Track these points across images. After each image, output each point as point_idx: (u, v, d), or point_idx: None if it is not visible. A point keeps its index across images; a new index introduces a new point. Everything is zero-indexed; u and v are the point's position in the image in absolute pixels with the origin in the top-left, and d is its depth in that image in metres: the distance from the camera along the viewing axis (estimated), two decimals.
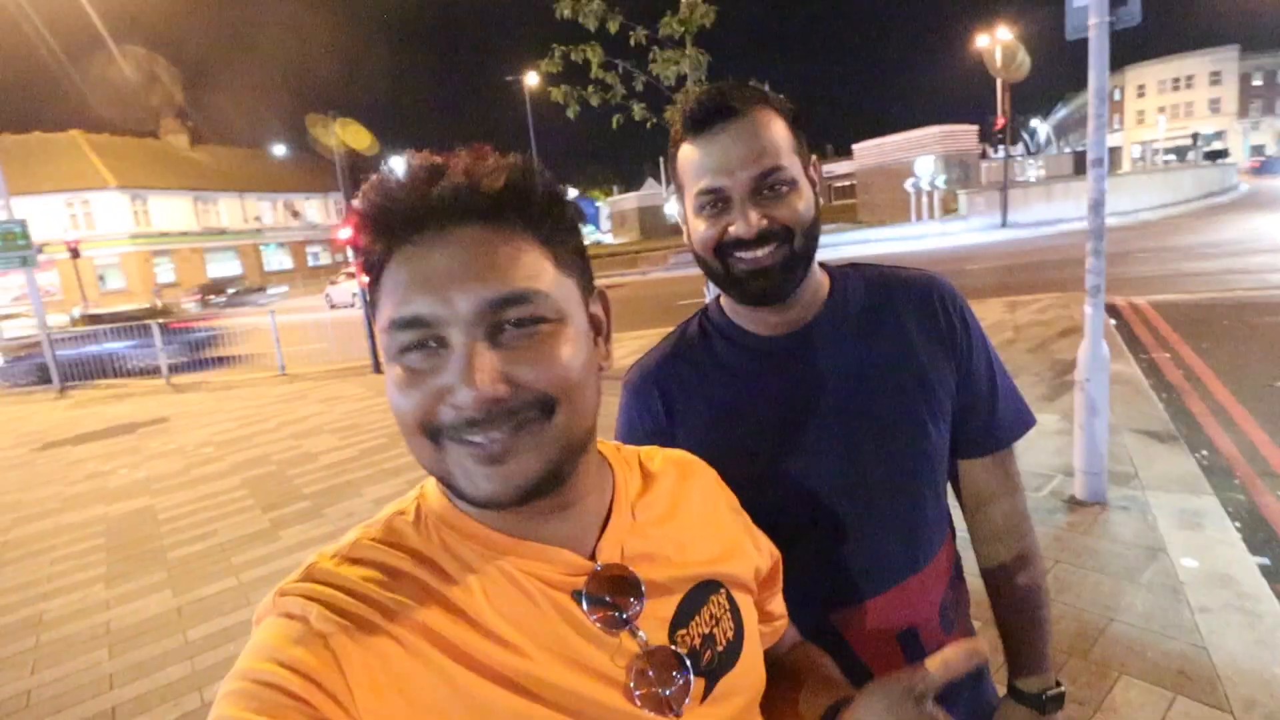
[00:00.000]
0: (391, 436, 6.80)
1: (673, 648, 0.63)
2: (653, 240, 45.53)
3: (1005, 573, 1.08)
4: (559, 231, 0.60)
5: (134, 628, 3.65)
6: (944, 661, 0.60)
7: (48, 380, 12.74)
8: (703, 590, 0.68)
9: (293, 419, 8.29)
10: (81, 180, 40.04)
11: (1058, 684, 1.07)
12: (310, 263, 53.03)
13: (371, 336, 10.25)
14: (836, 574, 0.99)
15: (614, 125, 5.81)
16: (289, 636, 0.51)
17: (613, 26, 5.34)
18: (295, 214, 53.16)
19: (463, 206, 0.55)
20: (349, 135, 11.15)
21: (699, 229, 0.95)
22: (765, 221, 0.90)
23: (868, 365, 0.99)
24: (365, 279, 0.59)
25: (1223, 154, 52.05)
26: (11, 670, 3.37)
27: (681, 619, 0.65)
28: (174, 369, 12.67)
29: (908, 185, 29.29)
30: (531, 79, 25.80)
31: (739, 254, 0.92)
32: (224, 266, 46.91)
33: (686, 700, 0.61)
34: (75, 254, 26.78)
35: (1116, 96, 74.45)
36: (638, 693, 0.59)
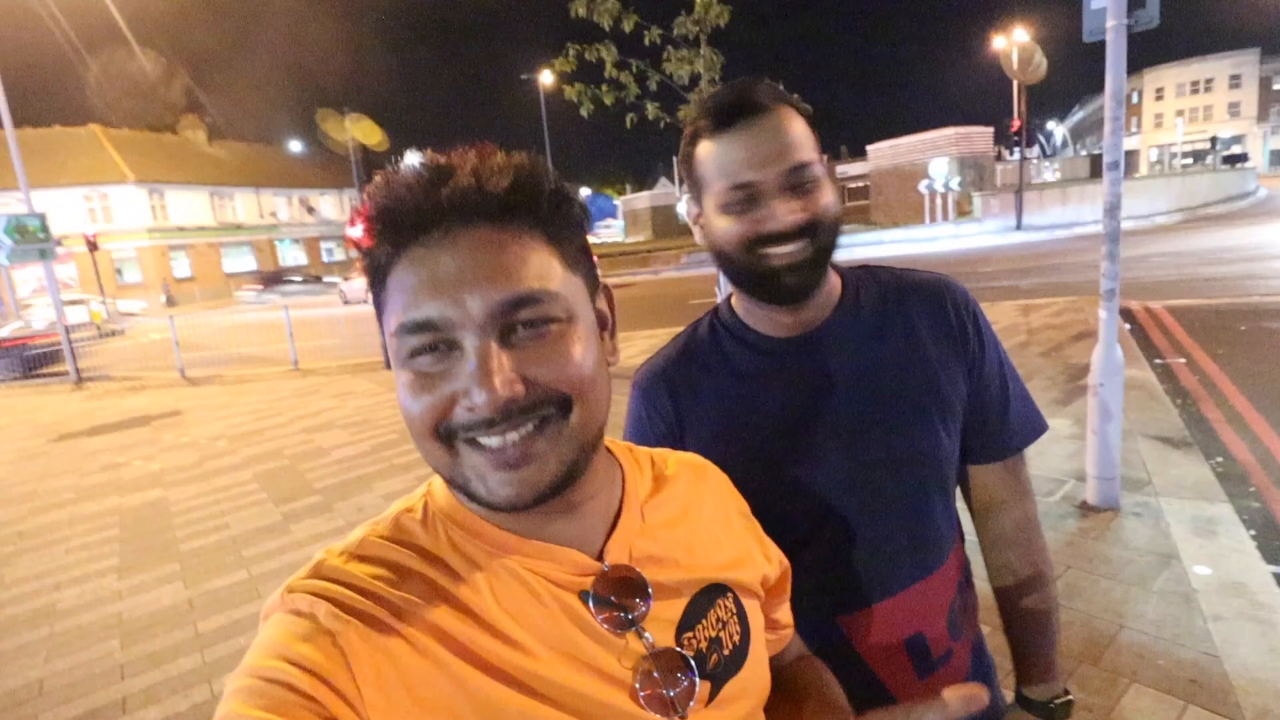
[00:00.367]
0: (402, 432, 6.83)
1: (679, 650, 0.63)
2: (666, 240, 45.47)
3: (1014, 579, 1.08)
4: (566, 229, 0.60)
5: (146, 619, 3.68)
6: (941, 703, 0.58)
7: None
8: (710, 594, 0.68)
9: (305, 414, 8.34)
10: (100, 174, 40.42)
11: (1066, 691, 1.07)
12: (324, 259, 53.39)
13: (383, 332, 10.28)
14: (844, 578, 0.99)
15: (627, 124, 5.81)
16: (297, 634, 0.51)
17: (627, 26, 5.35)
18: (310, 210, 53.46)
19: (471, 208, 0.54)
20: (360, 131, 11.20)
21: (724, 226, 0.93)
22: (800, 215, 0.89)
23: (879, 368, 0.98)
24: (370, 283, 0.58)
25: (1242, 158, 51.41)
26: (24, 659, 3.41)
27: (688, 622, 0.65)
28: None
29: (922, 187, 29.09)
30: (546, 77, 25.87)
31: (771, 249, 0.91)
32: (240, 261, 47.27)
33: (691, 702, 0.61)
34: (93, 247, 27.09)
35: (1134, 99, 73.78)
36: (643, 694, 0.59)
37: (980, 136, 32.35)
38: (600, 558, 0.63)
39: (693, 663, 0.63)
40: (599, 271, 0.66)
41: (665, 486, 0.73)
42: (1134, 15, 3.45)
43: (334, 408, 8.50)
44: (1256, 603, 2.77)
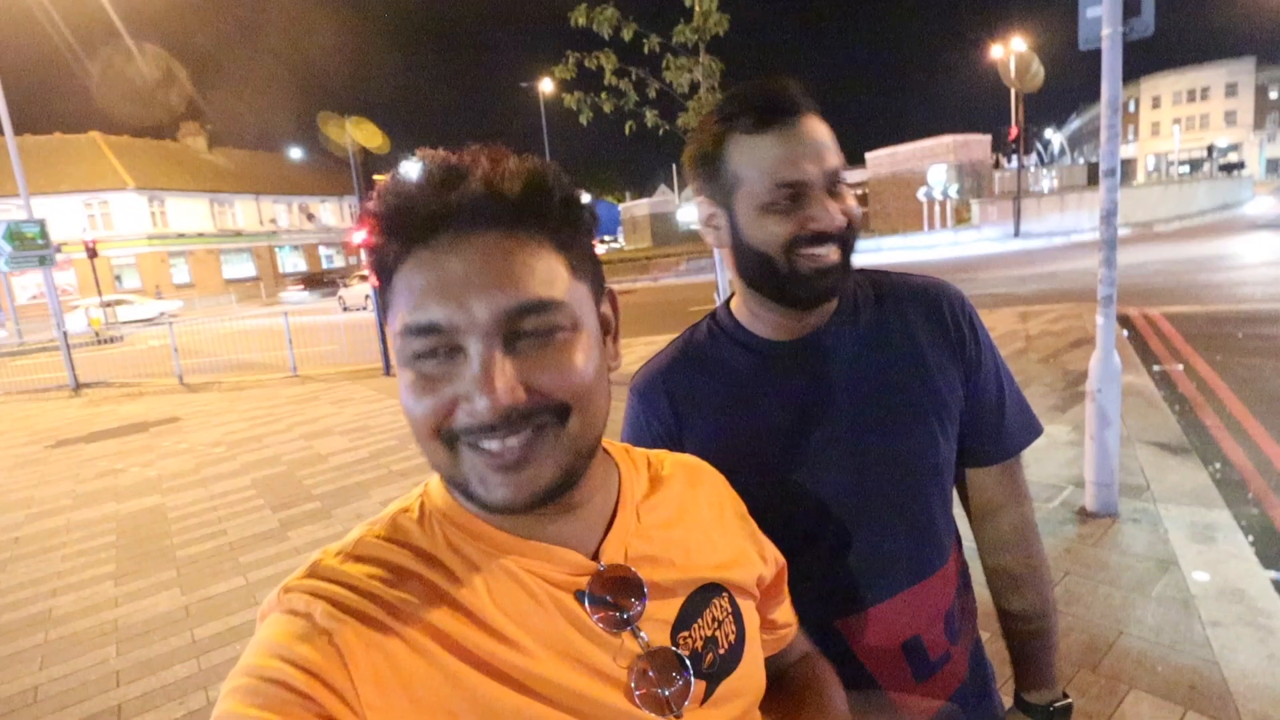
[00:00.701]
0: (401, 439, 6.83)
1: (674, 649, 0.63)
2: (665, 247, 45.55)
3: (1012, 583, 1.08)
4: (575, 236, 0.59)
5: (142, 625, 3.67)
6: None
7: None
8: (705, 593, 0.68)
9: (304, 420, 8.33)
10: (100, 181, 40.54)
11: (1065, 696, 1.07)
12: (324, 265, 53.42)
13: (383, 339, 10.31)
14: (842, 580, 0.99)
15: (627, 132, 5.83)
16: (294, 633, 0.51)
17: (626, 34, 5.37)
18: (310, 217, 53.58)
19: (481, 212, 0.54)
20: (361, 134, 11.18)
21: (765, 225, 0.90)
22: (842, 218, 0.89)
23: (876, 372, 0.98)
24: (376, 280, 0.58)
25: (1238, 166, 51.60)
26: (20, 665, 3.39)
27: (684, 621, 0.65)
28: None
29: (920, 194, 29.21)
30: (546, 85, 25.98)
31: (811, 250, 0.89)
32: (239, 268, 47.37)
33: (687, 701, 0.61)
34: (93, 254, 27.10)
35: (1131, 108, 74.14)
36: (638, 693, 0.59)
37: (978, 144, 32.47)
38: (596, 558, 0.63)
39: (688, 662, 0.63)
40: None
41: (661, 487, 0.73)
42: (1129, 24, 3.46)
43: (332, 414, 8.49)
44: (1255, 609, 2.77)
